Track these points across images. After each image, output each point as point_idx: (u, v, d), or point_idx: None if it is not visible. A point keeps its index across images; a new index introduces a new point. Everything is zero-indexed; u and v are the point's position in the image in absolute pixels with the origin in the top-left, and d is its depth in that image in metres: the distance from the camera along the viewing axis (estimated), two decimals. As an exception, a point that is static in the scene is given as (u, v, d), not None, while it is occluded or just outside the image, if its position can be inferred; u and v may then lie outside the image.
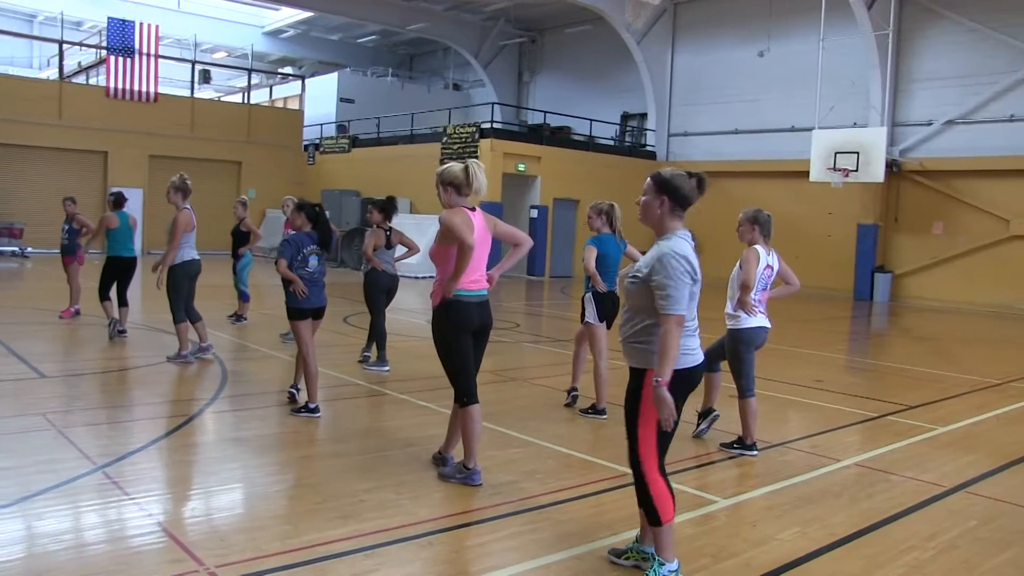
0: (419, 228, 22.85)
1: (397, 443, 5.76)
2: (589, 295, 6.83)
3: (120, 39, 25.61)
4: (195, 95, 29.29)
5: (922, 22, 21.18)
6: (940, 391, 8.94)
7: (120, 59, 25.70)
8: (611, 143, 26.91)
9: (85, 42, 30.29)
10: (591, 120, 25.64)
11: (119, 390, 7.20)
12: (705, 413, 6.32)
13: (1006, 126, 19.94)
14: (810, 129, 22.64)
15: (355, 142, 27.99)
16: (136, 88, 25.93)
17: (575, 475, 5.30)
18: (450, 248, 4.80)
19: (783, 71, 23.98)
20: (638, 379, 3.59)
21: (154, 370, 7.95)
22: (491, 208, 22.45)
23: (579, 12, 27.57)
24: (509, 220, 23.66)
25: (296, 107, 31.05)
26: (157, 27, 26.39)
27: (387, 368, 8.41)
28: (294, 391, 6.78)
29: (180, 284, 8.26)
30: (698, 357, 3.66)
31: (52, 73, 30.26)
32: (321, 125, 30.12)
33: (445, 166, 4.95)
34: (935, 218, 21.34)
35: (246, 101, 30.61)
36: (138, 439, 5.56)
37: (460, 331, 4.84)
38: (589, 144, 25.44)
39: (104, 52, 28.07)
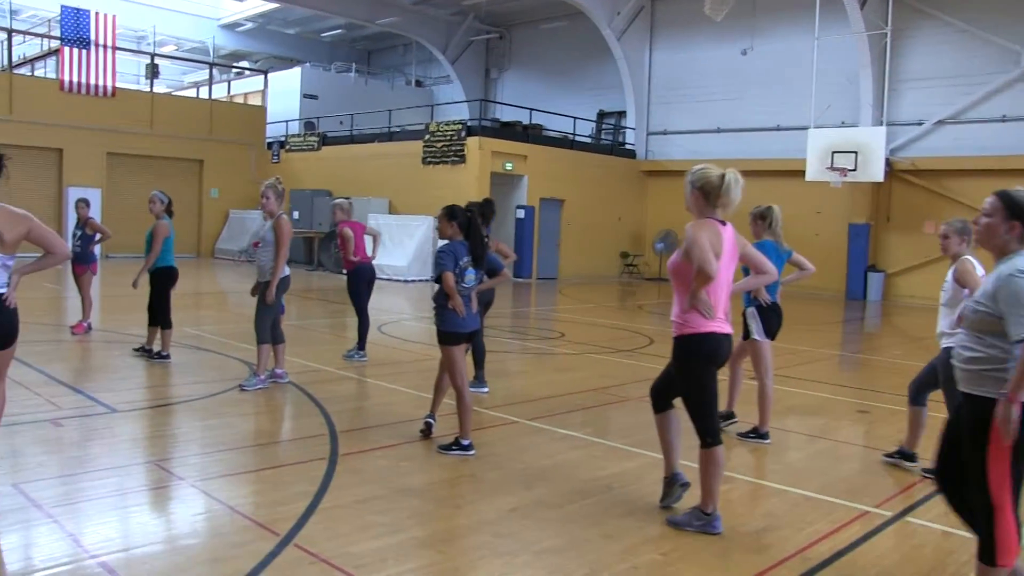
0: (404, 229, 21.90)
1: (594, 487, 5.01)
2: (752, 310, 6.20)
3: (74, 29, 23.78)
4: (138, 89, 27.53)
5: (912, 22, 21.27)
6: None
7: (74, 51, 23.87)
8: (588, 141, 26.37)
9: (35, 31, 28.13)
10: (574, 118, 25.04)
11: (216, 427, 6.17)
12: (907, 455, 5.73)
13: (997, 126, 20.19)
14: (796, 128, 22.64)
15: (324, 140, 26.72)
16: (92, 82, 24.15)
17: (815, 517, 4.68)
18: (692, 266, 4.17)
19: (767, 69, 23.86)
20: (987, 408, 3.24)
21: (233, 400, 6.96)
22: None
23: (553, 8, 27.04)
24: (498, 221, 22.93)
25: (257, 103, 29.53)
26: (114, 17, 24.64)
27: (486, 389, 7.62)
28: (431, 421, 5.95)
29: (277, 301, 7.31)
30: None
31: (-7, 65, 27.99)
32: (286, 122, 28.71)
33: (700, 168, 4.35)
34: (926, 217, 21.50)
35: (207, 96, 28.92)
36: (294, 493, 4.64)
37: (710, 364, 4.30)
38: (573, 143, 24.85)
39: (52, 43, 26.21)
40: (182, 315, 11.82)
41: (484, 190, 21.75)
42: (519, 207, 22.81)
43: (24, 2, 28.99)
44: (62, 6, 23.96)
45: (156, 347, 8.56)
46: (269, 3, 28.36)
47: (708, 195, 4.25)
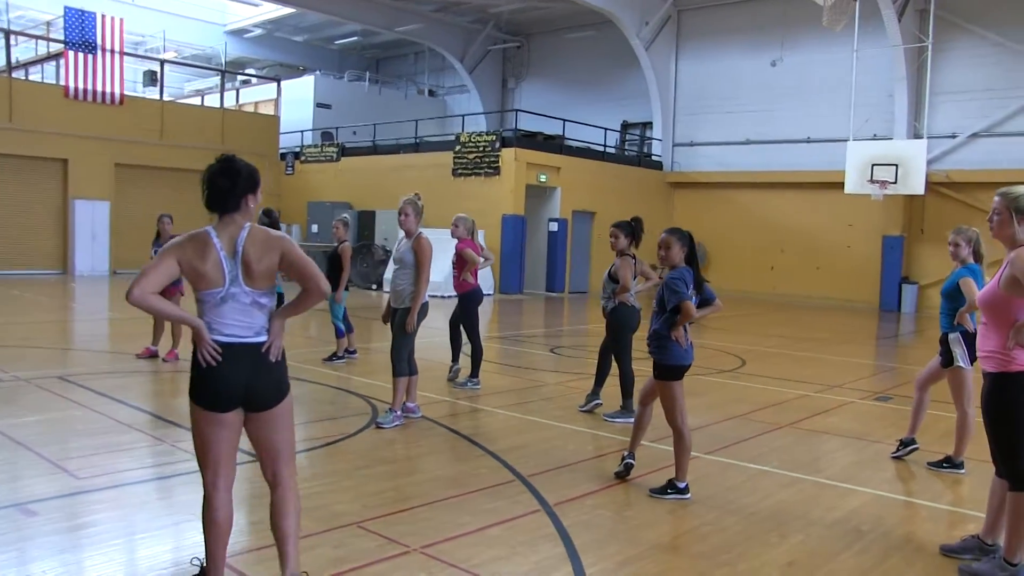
0: (438, 244, 21.20)
1: (842, 531, 4.70)
2: (957, 336, 5.89)
3: (79, 32, 22.88)
4: (147, 97, 26.69)
5: (948, 35, 21.20)
6: None
7: (79, 55, 22.97)
8: (612, 152, 26.01)
9: (35, 33, 27.15)
10: (604, 129, 24.72)
11: (386, 476, 5.46)
12: None
13: (1033, 139, 20.18)
14: (827, 141, 22.56)
15: (343, 150, 26.11)
16: (99, 88, 23.28)
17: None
18: (1017, 300, 3.82)
19: (798, 81, 23.75)
20: None
21: (378, 440, 6.42)
22: (516, 223, 21.19)
23: (577, 17, 26.74)
24: (530, 235, 22.48)
25: (268, 112, 28.83)
26: (121, 20, 23.85)
27: (630, 418, 7.14)
28: (631, 463, 5.51)
29: (416, 329, 6.78)
30: None
31: (-9, 69, 26.98)
32: (300, 132, 28.05)
33: (1019, 188, 3.97)
34: (960, 230, 21.38)
35: (212, 105, 28.15)
36: (545, 557, 4.11)
37: None
38: (603, 155, 24.49)
39: (51, 46, 25.28)
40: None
41: (519, 203, 21.34)
42: (552, 220, 22.39)
43: (15, 1, 27.88)
44: (65, 7, 22.89)
45: None
46: (282, 8, 27.74)
47: None
